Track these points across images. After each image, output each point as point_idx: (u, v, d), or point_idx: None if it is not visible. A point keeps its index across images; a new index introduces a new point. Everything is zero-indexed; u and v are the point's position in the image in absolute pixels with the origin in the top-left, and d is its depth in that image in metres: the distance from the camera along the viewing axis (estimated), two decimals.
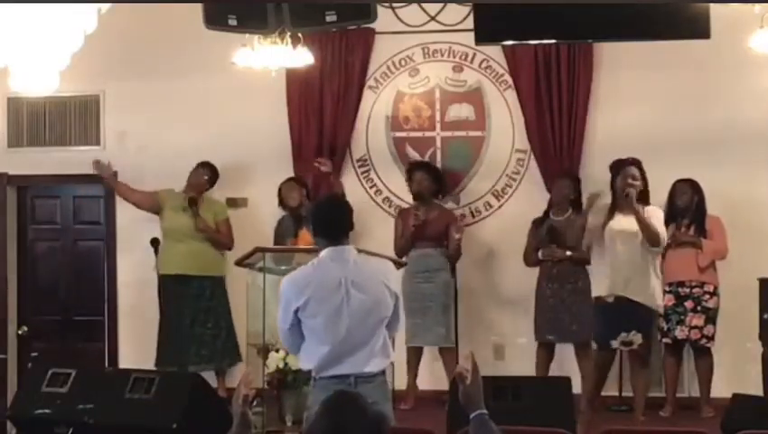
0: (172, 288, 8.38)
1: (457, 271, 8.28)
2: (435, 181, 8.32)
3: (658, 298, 7.26)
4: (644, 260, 7.15)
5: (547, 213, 8.16)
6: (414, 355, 8.18)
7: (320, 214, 4.95)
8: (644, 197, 7.26)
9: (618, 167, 7.35)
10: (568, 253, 7.94)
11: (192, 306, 8.40)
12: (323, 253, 4.80)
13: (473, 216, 8.70)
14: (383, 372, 4.80)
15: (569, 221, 8.05)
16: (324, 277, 4.73)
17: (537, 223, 8.14)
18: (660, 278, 7.31)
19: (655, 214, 7.21)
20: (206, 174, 8.57)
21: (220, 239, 8.51)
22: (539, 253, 8.02)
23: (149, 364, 8.24)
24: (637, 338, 7.11)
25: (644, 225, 7.06)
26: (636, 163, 7.30)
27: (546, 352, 8.04)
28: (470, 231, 8.46)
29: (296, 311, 4.73)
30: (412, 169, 8.40)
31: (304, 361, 4.84)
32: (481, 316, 8.57)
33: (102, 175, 8.60)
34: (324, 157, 8.56)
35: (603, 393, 8.20)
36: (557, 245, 7.97)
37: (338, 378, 4.67)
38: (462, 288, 8.30)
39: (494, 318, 8.61)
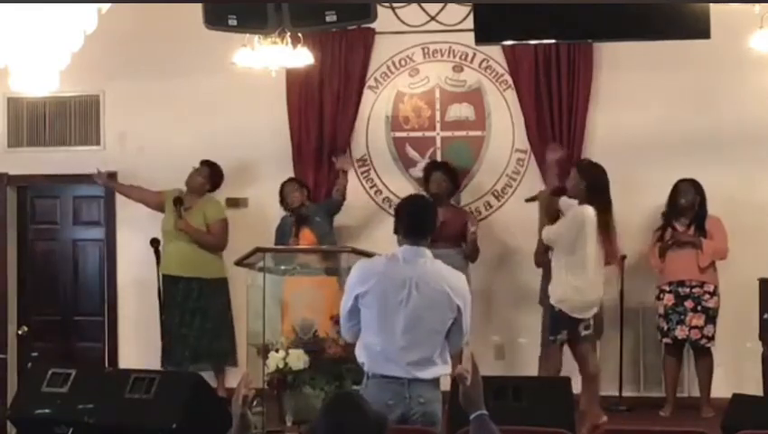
0: (166, 288, 8.39)
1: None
2: (452, 181, 8.30)
3: (557, 296, 7.25)
4: (552, 261, 7.30)
5: (557, 213, 8.12)
6: None
7: (403, 212, 4.96)
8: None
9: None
10: None
11: (181, 306, 8.39)
12: (399, 250, 4.83)
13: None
14: (437, 380, 4.80)
15: None
16: (391, 272, 4.75)
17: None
18: (568, 275, 7.24)
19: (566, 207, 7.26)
20: (203, 174, 8.55)
21: (206, 239, 8.43)
22: (549, 253, 7.98)
23: (149, 364, 8.23)
24: (562, 337, 7.24)
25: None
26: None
27: (557, 351, 8.00)
28: None
29: (357, 297, 4.77)
30: (430, 169, 8.36)
31: (358, 353, 4.85)
32: (481, 315, 8.56)
33: (104, 185, 8.63)
34: (344, 155, 8.58)
35: (602, 393, 8.23)
36: None
37: (392, 379, 4.69)
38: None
39: (494, 318, 8.61)
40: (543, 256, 8.04)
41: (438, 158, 8.70)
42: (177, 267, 8.38)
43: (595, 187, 7.28)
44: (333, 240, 8.29)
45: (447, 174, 8.29)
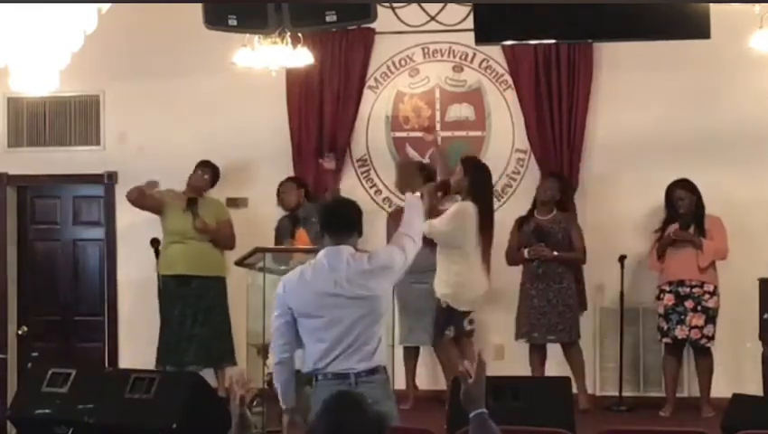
0: (173, 289, 8.38)
1: None
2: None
3: (442, 291, 7.34)
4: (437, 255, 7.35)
5: (531, 213, 8.16)
6: (410, 355, 8.18)
7: (322, 214, 5.05)
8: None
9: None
10: (555, 253, 7.95)
11: (194, 306, 8.40)
12: (320, 253, 4.86)
13: None
14: (384, 370, 4.82)
15: (555, 220, 8.07)
16: (319, 277, 4.77)
17: (520, 223, 8.14)
18: (451, 271, 7.31)
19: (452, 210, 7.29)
20: (206, 174, 8.57)
21: (224, 237, 8.51)
22: (525, 252, 8.02)
23: (149, 364, 8.24)
24: (450, 332, 7.35)
25: None
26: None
27: (539, 353, 8.04)
28: None
29: (291, 310, 4.79)
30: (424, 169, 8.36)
31: (305, 362, 4.85)
32: (480, 315, 8.54)
33: (147, 191, 8.51)
34: (329, 155, 8.56)
35: (602, 393, 8.25)
36: (545, 244, 7.97)
37: (338, 377, 4.70)
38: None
39: (494, 318, 8.60)
40: (516, 253, 8.07)
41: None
42: (191, 267, 8.39)
43: (478, 185, 7.37)
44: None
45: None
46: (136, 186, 8.46)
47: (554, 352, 8.09)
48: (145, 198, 8.47)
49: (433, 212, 7.14)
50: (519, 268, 8.16)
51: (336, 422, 3.25)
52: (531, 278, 8.03)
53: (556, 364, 8.07)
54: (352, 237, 4.87)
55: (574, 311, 8.04)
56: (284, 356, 4.84)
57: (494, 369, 7.92)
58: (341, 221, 4.89)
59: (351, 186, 8.62)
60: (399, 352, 7.97)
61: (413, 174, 5.17)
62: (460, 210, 7.27)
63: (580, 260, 8.11)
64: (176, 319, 8.37)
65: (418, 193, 5.08)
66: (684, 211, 7.85)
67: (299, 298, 4.78)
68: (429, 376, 8.38)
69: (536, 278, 8.01)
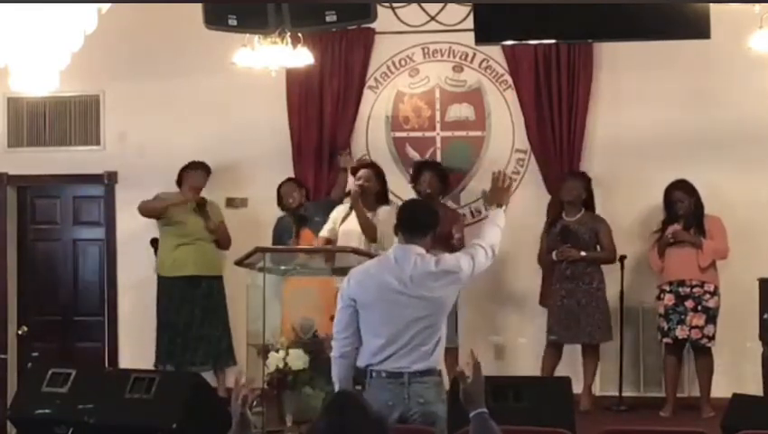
0: (179, 290, 8.39)
1: None
2: (441, 180, 8.31)
3: None
4: None
5: (559, 214, 8.15)
6: None
7: (399, 212, 5.09)
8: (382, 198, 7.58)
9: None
10: (582, 254, 7.94)
11: (202, 306, 8.43)
12: (390, 250, 4.92)
13: (473, 216, 8.70)
14: (439, 373, 4.83)
15: (582, 220, 8.06)
16: (384, 273, 4.79)
17: (550, 225, 8.15)
18: None
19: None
20: (204, 175, 8.58)
21: (227, 238, 8.58)
22: (553, 254, 8.01)
23: (149, 364, 8.25)
24: None
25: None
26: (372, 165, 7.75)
27: (554, 351, 8.03)
28: (470, 230, 8.44)
29: (355, 301, 4.82)
30: (419, 169, 8.37)
31: (360, 356, 4.86)
32: (481, 315, 8.57)
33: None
34: (346, 152, 8.60)
35: (602, 393, 8.25)
36: (572, 245, 7.96)
37: (392, 375, 4.72)
38: (462, 288, 8.28)
39: (495, 318, 8.61)
40: (546, 256, 8.07)
41: (438, 159, 8.70)
42: (201, 267, 8.44)
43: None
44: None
45: (437, 174, 8.29)
46: (151, 203, 8.47)
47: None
48: (156, 209, 8.51)
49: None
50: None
51: (337, 422, 3.25)
52: (561, 280, 8.02)
53: (560, 364, 8.05)
54: (425, 239, 4.88)
55: (603, 312, 7.99)
56: (346, 350, 4.86)
57: (495, 369, 8.03)
58: (417, 222, 4.90)
59: (350, 186, 8.60)
60: None
61: (500, 188, 5.17)
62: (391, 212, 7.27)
63: (609, 259, 8.04)
64: (183, 320, 8.39)
65: (504, 207, 5.07)
66: (683, 213, 7.85)
67: (363, 290, 4.81)
68: None
69: (565, 279, 7.99)
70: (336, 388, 4.87)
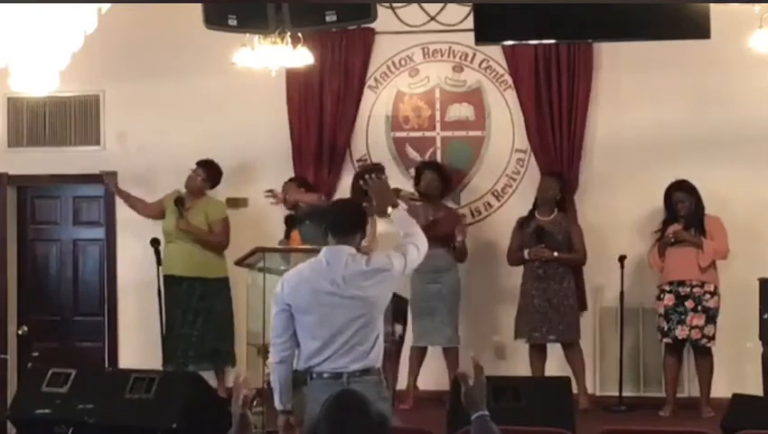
0: (169, 289, 8.39)
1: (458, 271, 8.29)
2: (443, 181, 8.31)
3: None
4: None
5: (532, 213, 8.16)
6: (417, 355, 8.16)
7: (327, 214, 5.09)
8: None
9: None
10: (556, 254, 7.95)
11: (183, 306, 8.40)
12: (322, 252, 4.91)
13: (473, 216, 8.70)
14: (378, 371, 4.84)
15: (556, 221, 8.08)
16: (317, 277, 4.82)
17: (522, 223, 8.15)
18: None
19: None
20: (201, 175, 8.53)
21: (208, 238, 8.44)
22: (525, 253, 8.03)
23: (149, 364, 8.22)
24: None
25: None
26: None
27: (539, 352, 8.05)
28: (470, 230, 8.45)
29: (289, 306, 4.83)
30: (421, 169, 8.37)
31: (299, 358, 4.88)
32: (481, 315, 8.57)
33: (110, 188, 8.64)
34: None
35: (602, 393, 8.25)
36: (546, 246, 7.97)
37: (332, 376, 4.75)
38: (462, 288, 8.30)
39: (495, 318, 8.61)
40: (516, 253, 8.08)
41: (438, 159, 8.70)
42: (180, 267, 8.39)
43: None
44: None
45: (439, 174, 8.30)
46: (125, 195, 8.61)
47: (554, 352, 8.10)
48: (137, 204, 8.56)
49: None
50: (520, 269, 8.16)
51: (338, 422, 3.25)
52: (532, 279, 8.04)
53: (556, 364, 8.07)
54: (355, 238, 4.91)
55: (574, 311, 8.06)
56: (284, 355, 4.87)
57: (495, 369, 8.03)
58: (345, 222, 4.92)
59: (350, 186, 8.60)
60: (404, 351, 7.94)
61: (386, 191, 5.20)
62: None
63: (580, 261, 8.12)
64: (178, 319, 8.39)
65: (400, 206, 5.12)
66: (685, 213, 7.86)
67: (296, 295, 4.83)
68: (431, 377, 8.36)
69: (536, 278, 8.02)
70: (276, 393, 4.88)
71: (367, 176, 5.34)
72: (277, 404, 4.91)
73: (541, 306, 7.98)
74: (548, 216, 8.11)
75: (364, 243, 7.04)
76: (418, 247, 4.97)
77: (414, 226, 5.08)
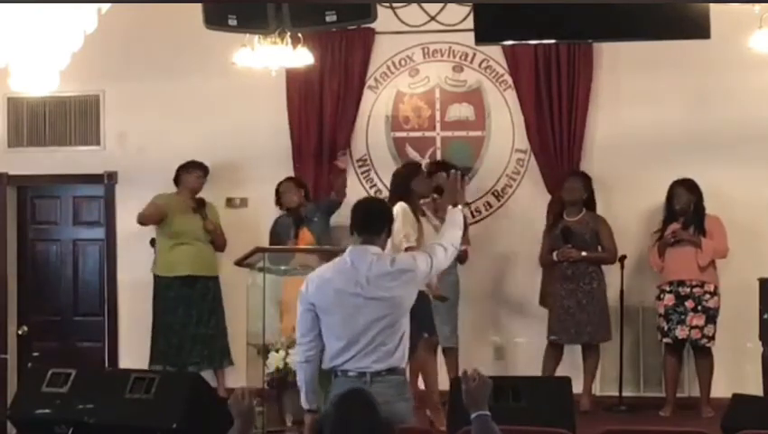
0: (175, 290, 8.40)
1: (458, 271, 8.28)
2: None
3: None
4: None
5: (560, 214, 8.15)
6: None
7: (353, 212, 5.02)
8: None
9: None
10: (583, 254, 7.94)
11: (198, 306, 8.44)
12: (345, 252, 4.88)
13: (473, 216, 8.69)
14: (402, 371, 4.82)
15: (583, 220, 8.06)
16: (341, 277, 4.79)
17: (551, 225, 8.14)
18: None
19: None
20: (202, 176, 8.58)
21: (224, 239, 8.60)
22: (554, 255, 8.01)
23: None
24: None
25: None
26: None
27: (556, 351, 8.03)
28: (470, 230, 8.45)
29: (314, 306, 4.81)
30: (432, 170, 8.34)
31: (324, 358, 4.87)
32: (481, 315, 8.57)
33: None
34: (343, 153, 8.60)
35: (602, 393, 8.25)
36: (573, 246, 7.96)
37: (356, 375, 4.73)
38: (462, 288, 8.30)
39: (495, 318, 8.61)
40: (547, 256, 8.07)
41: (438, 158, 8.69)
42: (197, 267, 8.46)
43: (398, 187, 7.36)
44: (331, 240, 8.28)
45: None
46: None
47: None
48: (153, 216, 8.53)
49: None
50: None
51: (346, 419, 3.26)
52: (561, 280, 8.01)
53: (560, 364, 8.05)
54: (380, 238, 4.87)
55: (604, 312, 8.00)
56: (309, 354, 4.86)
57: (494, 369, 8.03)
58: (371, 221, 4.89)
59: (350, 186, 8.60)
60: None
61: (461, 189, 5.21)
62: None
63: (609, 260, 8.06)
64: (180, 320, 8.40)
65: (460, 207, 5.09)
66: (680, 207, 7.86)
67: (320, 295, 4.80)
68: None
69: (565, 279, 7.99)
70: (302, 392, 4.89)
71: (453, 171, 5.32)
72: (304, 403, 4.91)
73: (570, 307, 7.95)
74: (576, 216, 8.08)
75: (413, 241, 7.08)
76: (446, 248, 4.93)
77: (457, 230, 5.03)
